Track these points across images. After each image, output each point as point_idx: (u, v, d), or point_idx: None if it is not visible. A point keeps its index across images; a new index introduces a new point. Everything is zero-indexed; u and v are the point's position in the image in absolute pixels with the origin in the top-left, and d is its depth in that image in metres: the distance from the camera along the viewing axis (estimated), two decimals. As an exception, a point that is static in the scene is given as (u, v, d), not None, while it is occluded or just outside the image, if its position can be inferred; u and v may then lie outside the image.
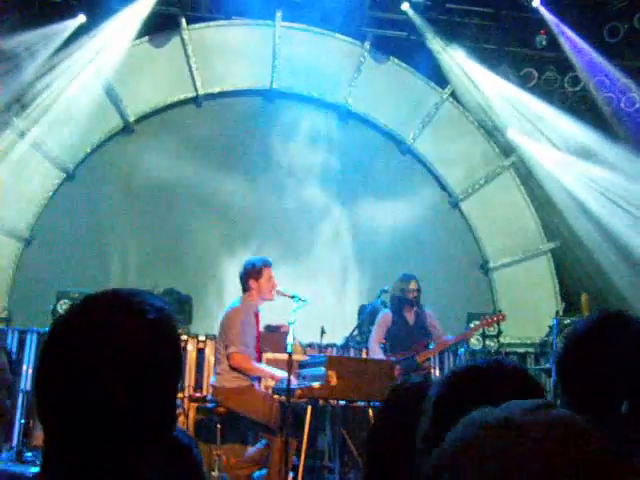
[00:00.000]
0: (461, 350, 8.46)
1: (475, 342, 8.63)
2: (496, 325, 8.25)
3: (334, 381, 5.43)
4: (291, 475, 5.60)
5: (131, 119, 9.01)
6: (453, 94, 9.62)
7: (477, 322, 8.14)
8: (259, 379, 6.10)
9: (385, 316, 7.20)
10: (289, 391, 5.48)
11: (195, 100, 9.31)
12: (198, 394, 6.80)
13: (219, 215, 9.12)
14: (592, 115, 8.98)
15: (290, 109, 9.53)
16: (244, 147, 9.31)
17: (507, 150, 9.53)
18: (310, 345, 7.82)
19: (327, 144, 9.49)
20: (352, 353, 8.09)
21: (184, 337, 7.95)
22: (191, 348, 8.04)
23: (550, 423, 0.85)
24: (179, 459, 1.62)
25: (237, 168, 9.27)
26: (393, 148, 9.79)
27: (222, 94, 9.39)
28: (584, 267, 8.82)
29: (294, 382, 5.72)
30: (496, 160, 9.67)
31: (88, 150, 8.88)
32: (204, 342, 8.06)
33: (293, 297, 6.11)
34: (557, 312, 7.77)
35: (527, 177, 9.46)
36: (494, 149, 9.64)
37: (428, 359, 7.19)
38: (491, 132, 9.46)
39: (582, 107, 9.02)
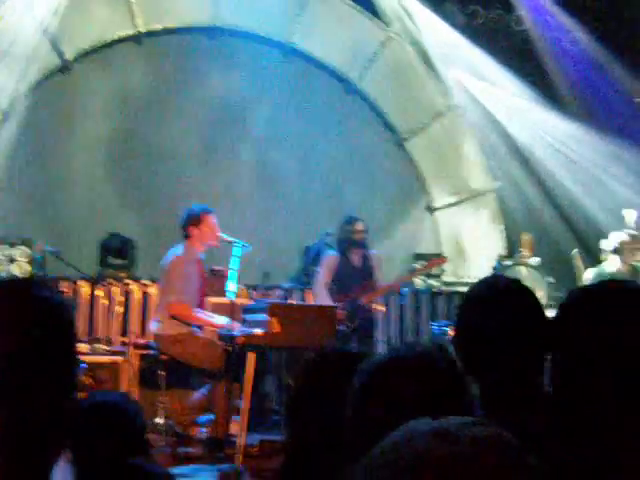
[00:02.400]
0: (405, 290, 8.55)
1: (419, 282, 8.75)
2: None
3: (277, 328, 5.46)
4: (236, 419, 5.67)
5: (68, 57, 8.72)
6: (399, 33, 9.49)
7: (424, 262, 8.25)
8: (201, 325, 6.11)
9: (331, 258, 7.21)
10: (230, 338, 5.52)
11: (136, 38, 9.03)
12: (142, 340, 6.78)
13: (161, 156, 8.96)
14: (536, 56, 8.97)
15: (234, 46, 9.32)
16: (186, 85, 9.11)
17: (451, 92, 9.48)
18: (255, 287, 7.81)
19: (271, 82, 9.32)
20: (297, 295, 8.11)
21: (128, 281, 7.91)
22: (135, 292, 7.97)
23: (486, 439, 0.86)
24: None
25: (179, 107, 9.07)
26: (338, 87, 9.66)
27: (164, 31, 9.12)
28: (527, 209, 8.93)
29: (237, 328, 5.75)
30: (442, 100, 9.62)
31: (24, 90, 8.59)
32: (147, 286, 7.98)
33: (235, 243, 6.09)
34: (499, 255, 7.88)
35: (471, 118, 9.45)
36: (439, 90, 9.57)
37: (373, 300, 7.26)
38: (436, 73, 9.38)
39: (527, 47, 9.00)
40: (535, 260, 7.73)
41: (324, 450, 1.69)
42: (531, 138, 9.02)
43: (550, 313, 2.03)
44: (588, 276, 6.83)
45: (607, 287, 1.65)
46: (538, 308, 2.08)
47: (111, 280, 7.87)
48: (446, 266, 8.75)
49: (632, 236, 6.73)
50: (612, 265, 6.75)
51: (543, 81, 8.91)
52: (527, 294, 2.11)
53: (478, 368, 2.00)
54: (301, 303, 7.50)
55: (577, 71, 8.92)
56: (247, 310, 6.15)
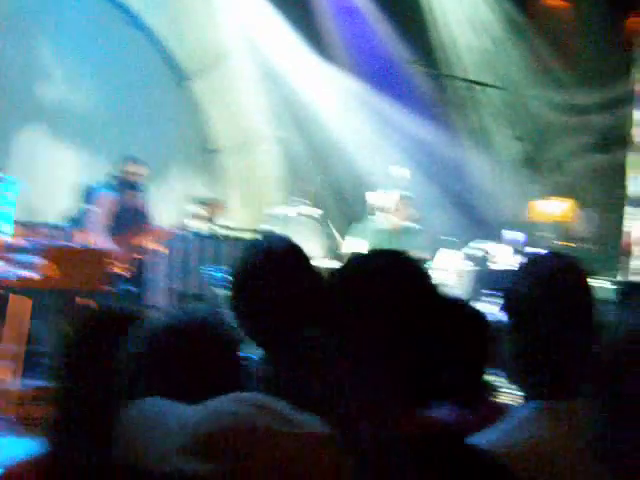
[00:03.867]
0: (185, 233, 8.51)
1: (202, 227, 8.73)
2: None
3: (52, 272, 5.27)
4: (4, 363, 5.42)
5: None
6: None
7: (204, 206, 8.24)
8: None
9: (107, 198, 7.06)
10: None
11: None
12: None
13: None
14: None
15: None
16: None
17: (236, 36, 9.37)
18: (31, 226, 7.43)
19: (39, 13, 8.67)
20: (71, 235, 7.81)
21: None
22: None
23: None
24: None
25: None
26: (116, 17, 9.18)
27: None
28: (309, 159, 9.18)
29: (4, 270, 5.45)
30: (227, 42, 9.46)
31: None
32: None
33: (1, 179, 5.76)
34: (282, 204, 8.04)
35: (261, 63, 9.45)
36: (226, 30, 9.39)
37: (150, 243, 7.20)
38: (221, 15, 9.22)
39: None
40: (316, 211, 7.96)
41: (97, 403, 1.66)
42: (313, 91, 9.25)
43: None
44: (355, 230, 7.12)
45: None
46: None
47: None
48: (228, 212, 8.81)
49: (402, 196, 7.07)
50: (381, 222, 7.07)
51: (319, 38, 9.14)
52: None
53: None
54: (75, 245, 7.24)
55: (355, 32, 9.28)
56: (15, 249, 5.83)
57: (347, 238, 7.14)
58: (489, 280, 6.64)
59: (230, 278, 2.22)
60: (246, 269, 2.20)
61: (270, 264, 2.17)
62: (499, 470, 1.44)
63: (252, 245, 2.32)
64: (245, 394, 1.40)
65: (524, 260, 1.88)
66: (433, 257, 7.23)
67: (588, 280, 1.80)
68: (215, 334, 1.64)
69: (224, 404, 1.34)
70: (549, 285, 1.73)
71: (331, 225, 7.55)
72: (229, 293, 2.23)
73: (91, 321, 1.89)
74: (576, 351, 1.68)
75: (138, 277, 6.94)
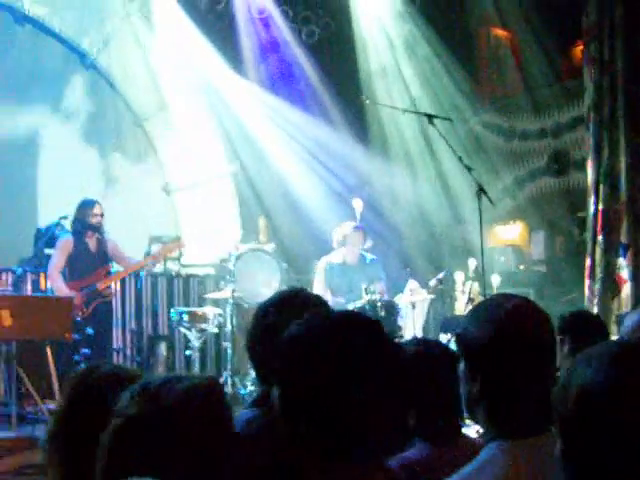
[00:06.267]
0: (142, 273, 8.49)
1: (157, 265, 8.71)
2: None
3: (8, 321, 5.22)
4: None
5: None
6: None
7: (162, 244, 8.22)
8: None
9: (66, 241, 7.01)
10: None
11: None
12: None
13: None
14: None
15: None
16: None
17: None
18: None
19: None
20: (30, 279, 7.75)
21: None
22: None
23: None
24: None
25: None
26: (76, 61, 9.26)
27: None
28: (263, 192, 9.25)
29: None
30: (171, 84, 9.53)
31: None
32: None
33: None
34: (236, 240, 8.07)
35: (215, 101, 9.54)
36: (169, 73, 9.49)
37: (109, 286, 7.16)
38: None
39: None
40: (271, 246, 8.03)
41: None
42: (260, 122, 9.40)
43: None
44: (321, 265, 7.21)
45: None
46: None
47: None
48: (184, 249, 8.80)
49: (358, 227, 7.15)
50: (338, 256, 7.17)
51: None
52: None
53: None
54: (34, 294, 7.19)
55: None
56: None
57: (315, 277, 7.18)
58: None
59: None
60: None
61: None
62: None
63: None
64: None
65: (475, 304, 1.91)
66: (391, 288, 7.33)
67: (541, 319, 1.79)
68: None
69: None
70: (500, 327, 1.73)
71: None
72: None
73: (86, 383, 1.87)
74: (534, 390, 1.72)
75: (97, 322, 6.89)
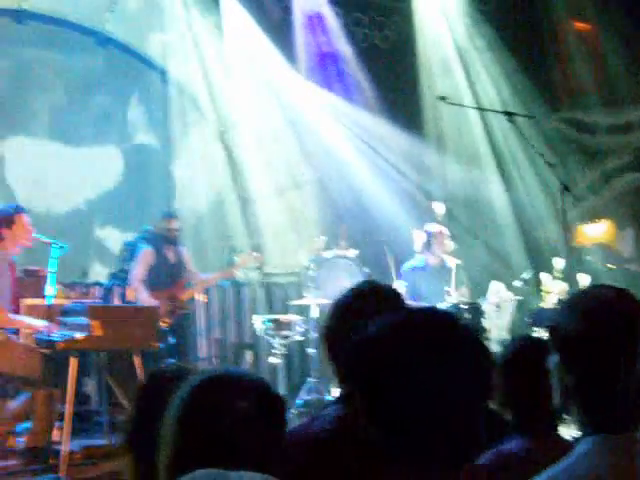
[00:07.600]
0: (226, 283, 8.61)
1: (240, 274, 8.82)
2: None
3: (98, 332, 5.34)
4: (58, 424, 5.49)
5: None
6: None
7: (242, 254, 8.30)
8: (18, 330, 5.84)
9: (146, 252, 7.17)
10: (50, 343, 5.32)
11: None
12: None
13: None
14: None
15: (43, 32, 8.88)
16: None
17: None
18: (73, 285, 7.58)
19: (85, 72, 9.00)
20: (118, 292, 7.94)
21: None
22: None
23: None
24: None
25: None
26: (155, 76, 9.48)
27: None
28: (343, 199, 9.24)
29: (55, 331, 5.54)
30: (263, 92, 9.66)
31: None
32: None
33: (52, 244, 5.88)
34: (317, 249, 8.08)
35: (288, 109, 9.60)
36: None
37: (191, 298, 7.29)
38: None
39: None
40: (353, 252, 8.01)
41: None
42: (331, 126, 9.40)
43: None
44: (405, 268, 7.20)
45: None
46: None
47: None
48: (266, 258, 8.88)
49: (438, 231, 7.12)
50: (421, 260, 7.15)
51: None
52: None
53: None
54: (121, 304, 7.36)
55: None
56: (65, 312, 5.93)
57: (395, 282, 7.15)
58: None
59: None
60: None
61: None
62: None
63: None
64: None
65: (569, 295, 1.87)
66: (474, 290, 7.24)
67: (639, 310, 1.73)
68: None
69: None
70: (596, 319, 1.70)
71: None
72: None
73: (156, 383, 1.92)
74: (631, 384, 1.67)
75: (180, 331, 7.01)
